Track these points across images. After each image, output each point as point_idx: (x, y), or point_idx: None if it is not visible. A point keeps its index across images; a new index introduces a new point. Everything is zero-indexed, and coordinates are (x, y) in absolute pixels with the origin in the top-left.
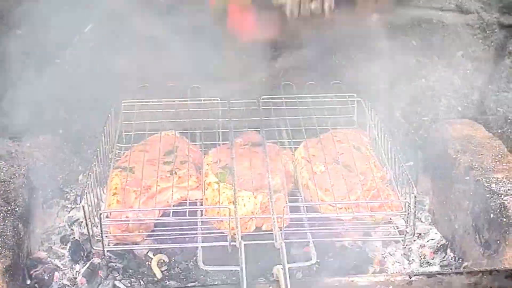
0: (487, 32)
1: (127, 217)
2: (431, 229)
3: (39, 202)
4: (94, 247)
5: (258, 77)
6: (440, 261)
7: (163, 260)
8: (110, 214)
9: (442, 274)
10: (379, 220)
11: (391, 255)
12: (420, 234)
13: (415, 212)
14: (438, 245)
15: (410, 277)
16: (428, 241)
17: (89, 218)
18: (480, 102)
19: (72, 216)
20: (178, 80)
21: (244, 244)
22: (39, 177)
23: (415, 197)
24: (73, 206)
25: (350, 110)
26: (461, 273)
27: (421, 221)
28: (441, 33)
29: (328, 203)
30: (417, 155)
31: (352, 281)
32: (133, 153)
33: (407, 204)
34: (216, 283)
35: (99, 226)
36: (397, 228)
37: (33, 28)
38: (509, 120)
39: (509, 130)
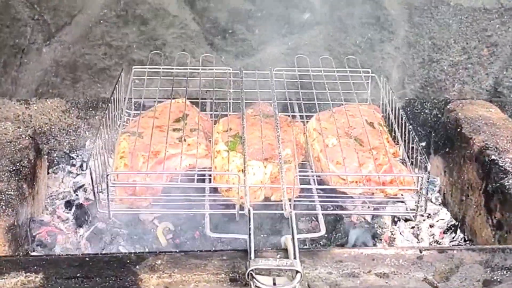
0: (505, 17)
1: (134, 180)
2: (441, 209)
3: (44, 166)
4: (100, 211)
5: (271, 53)
6: (450, 241)
7: (169, 228)
8: (118, 176)
9: (453, 249)
10: (390, 196)
11: (400, 234)
12: (430, 214)
13: (427, 187)
14: (448, 225)
15: (420, 251)
16: (438, 221)
17: (96, 183)
18: (494, 88)
19: (78, 182)
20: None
21: (253, 213)
22: (45, 141)
23: (429, 172)
24: (78, 172)
25: (364, 86)
26: (473, 250)
27: (432, 202)
28: (458, 16)
29: (339, 174)
30: (429, 136)
31: (361, 253)
32: (142, 119)
33: (420, 178)
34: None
35: (105, 190)
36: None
37: None
38: None
39: None
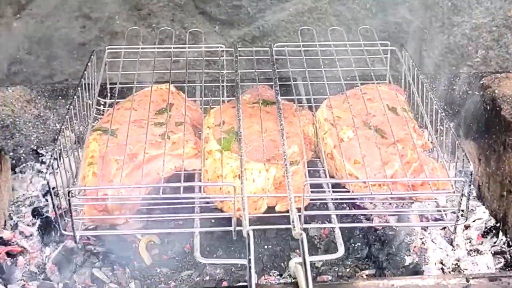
0: None
1: (105, 194)
2: (477, 206)
3: (5, 168)
4: (64, 232)
5: (270, 20)
6: (491, 247)
7: (153, 242)
8: (84, 191)
9: (508, 276)
10: (422, 200)
11: (432, 241)
12: (463, 211)
13: (469, 193)
14: (487, 226)
15: (467, 280)
16: (474, 221)
17: (56, 195)
18: None
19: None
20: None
21: (253, 230)
22: (9, 135)
23: (471, 174)
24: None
25: (382, 61)
26: None
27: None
28: None
29: (360, 180)
30: (458, 116)
31: (393, 285)
32: (118, 111)
33: (461, 183)
34: (218, 271)
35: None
36: (439, 207)
37: None
38: None
39: None
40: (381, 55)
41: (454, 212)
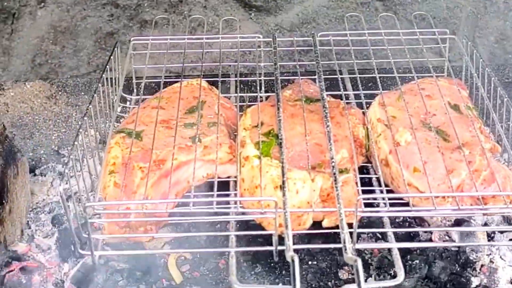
0: None
1: (127, 208)
2: None
3: (23, 172)
4: (81, 252)
5: (310, 6)
6: None
7: (184, 257)
8: (103, 207)
9: None
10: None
11: (501, 258)
12: None
13: None
14: None
15: None
16: None
17: (73, 210)
18: None
19: (70, 188)
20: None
21: (297, 252)
22: (28, 135)
23: None
24: (71, 174)
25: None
26: None
27: None
28: None
29: (424, 195)
30: None
31: None
32: (143, 110)
33: None
34: None
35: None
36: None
37: None
38: None
39: None
40: (439, 44)
41: None
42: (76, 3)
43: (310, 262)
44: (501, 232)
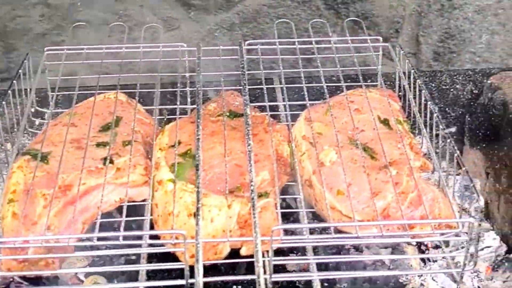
0: None
1: (25, 242)
2: (486, 231)
3: None
4: None
5: (250, 6)
6: (503, 283)
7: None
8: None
9: None
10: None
11: (433, 279)
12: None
13: (479, 235)
14: (498, 256)
15: None
16: (482, 249)
17: None
18: None
19: None
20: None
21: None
22: None
23: (482, 211)
24: None
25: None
26: None
27: (470, 215)
28: None
29: (349, 224)
30: (462, 120)
31: None
32: (54, 128)
33: (470, 224)
34: None
35: None
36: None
37: None
38: None
39: None
40: (371, 52)
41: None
42: (4, 2)
43: None
44: (436, 247)
